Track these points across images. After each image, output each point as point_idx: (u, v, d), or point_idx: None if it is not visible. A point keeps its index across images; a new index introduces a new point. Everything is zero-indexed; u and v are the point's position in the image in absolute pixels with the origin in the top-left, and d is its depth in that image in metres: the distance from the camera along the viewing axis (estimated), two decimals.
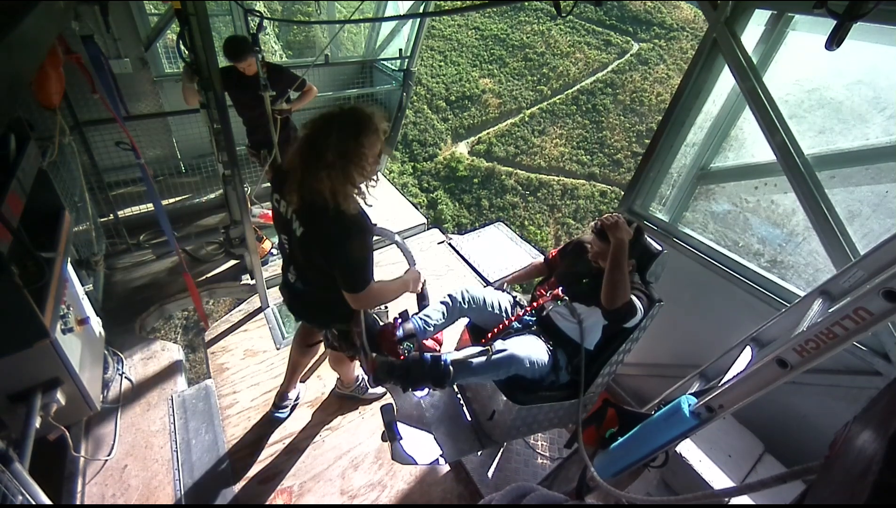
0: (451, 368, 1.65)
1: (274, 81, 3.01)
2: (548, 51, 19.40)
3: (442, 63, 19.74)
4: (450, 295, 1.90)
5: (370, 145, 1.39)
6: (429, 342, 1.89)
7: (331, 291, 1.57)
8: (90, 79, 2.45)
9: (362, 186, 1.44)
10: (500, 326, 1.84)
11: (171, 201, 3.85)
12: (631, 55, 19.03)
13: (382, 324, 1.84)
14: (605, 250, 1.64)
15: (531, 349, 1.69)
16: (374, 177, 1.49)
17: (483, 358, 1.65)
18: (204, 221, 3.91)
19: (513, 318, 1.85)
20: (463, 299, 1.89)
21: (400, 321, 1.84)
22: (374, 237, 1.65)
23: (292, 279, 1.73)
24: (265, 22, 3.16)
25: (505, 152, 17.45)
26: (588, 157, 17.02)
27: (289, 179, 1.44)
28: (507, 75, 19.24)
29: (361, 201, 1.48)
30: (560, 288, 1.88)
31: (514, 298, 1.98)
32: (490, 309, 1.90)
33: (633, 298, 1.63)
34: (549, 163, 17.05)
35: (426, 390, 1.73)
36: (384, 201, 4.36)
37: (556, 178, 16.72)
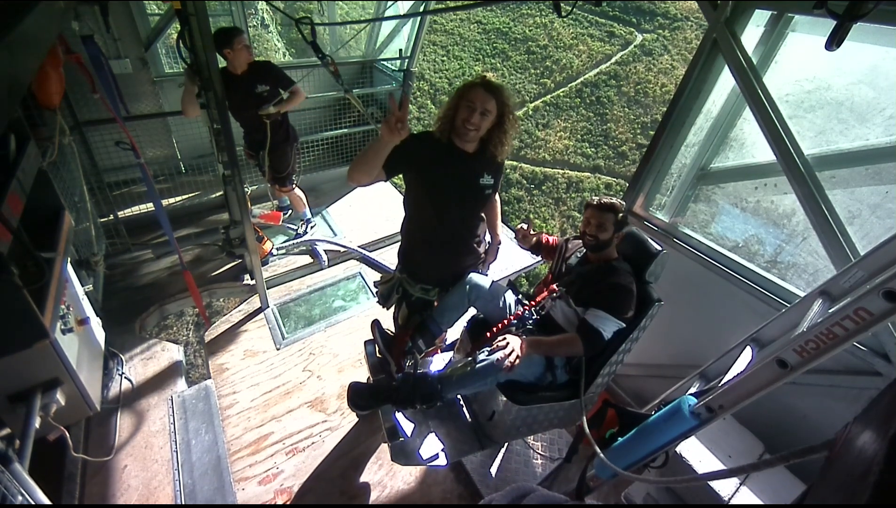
0: (439, 385, 1.69)
1: (263, 78, 3.00)
2: (550, 43, 19.32)
3: (444, 58, 19.70)
4: (465, 278, 1.93)
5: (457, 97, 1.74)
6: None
7: None
8: (90, 79, 2.45)
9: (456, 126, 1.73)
10: (500, 325, 1.84)
11: (172, 201, 3.85)
12: (635, 46, 18.91)
13: (397, 332, 1.89)
14: (606, 219, 1.71)
15: None
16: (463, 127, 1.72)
17: (468, 369, 1.69)
18: (204, 221, 3.91)
19: (513, 317, 1.86)
20: (474, 285, 1.92)
21: (416, 329, 1.91)
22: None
23: None
24: (268, 20, 3.16)
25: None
26: (593, 149, 16.96)
27: None
28: (510, 69, 19.19)
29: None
30: (555, 284, 1.90)
31: (518, 296, 1.99)
32: (496, 301, 1.92)
33: (595, 326, 1.65)
34: (553, 156, 17.00)
35: (417, 408, 1.75)
36: (383, 201, 4.36)
37: (561, 171, 16.67)
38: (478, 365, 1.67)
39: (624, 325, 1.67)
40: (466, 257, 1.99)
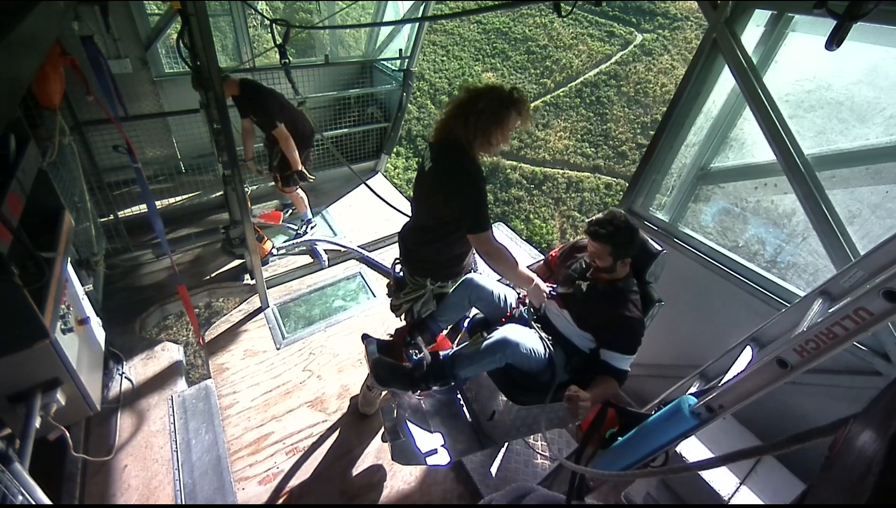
0: (452, 363, 1.71)
1: (248, 104, 3.11)
2: (550, 43, 19.32)
3: (444, 58, 19.69)
4: (466, 279, 1.93)
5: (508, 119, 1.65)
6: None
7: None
8: (84, 81, 2.45)
9: (492, 144, 1.70)
10: (502, 321, 1.85)
11: (172, 201, 3.85)
12: (634, 46, 18.89)
13: (397, 329, 1.90)
14: (601, 251, 1.65)
15: (524, 335, 1.71)
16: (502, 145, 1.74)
17: (476, 345, 1.70)
18: (204, 221, 3.91)
19: (509, 313, 1.87)
20: (475, 285, 1.92)
21: (414, 325, 1.91)
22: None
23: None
24: (266, 21, 3.17)
25: (509, 146, 17.41)
26: (593, 149, 16.95)
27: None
28: (509, 69, 19.17)
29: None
30: (553, 287, 1.90)
31: (519, 295, 1.99)
32: (497, 301, 1.92)
33: (620, 368, 1.67)
34: (553, 156, 16.99)
35: (432, 389, 1.76)
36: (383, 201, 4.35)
37: (561, 171, 16.66)
38: (487, 342, 1.68)
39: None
40: None
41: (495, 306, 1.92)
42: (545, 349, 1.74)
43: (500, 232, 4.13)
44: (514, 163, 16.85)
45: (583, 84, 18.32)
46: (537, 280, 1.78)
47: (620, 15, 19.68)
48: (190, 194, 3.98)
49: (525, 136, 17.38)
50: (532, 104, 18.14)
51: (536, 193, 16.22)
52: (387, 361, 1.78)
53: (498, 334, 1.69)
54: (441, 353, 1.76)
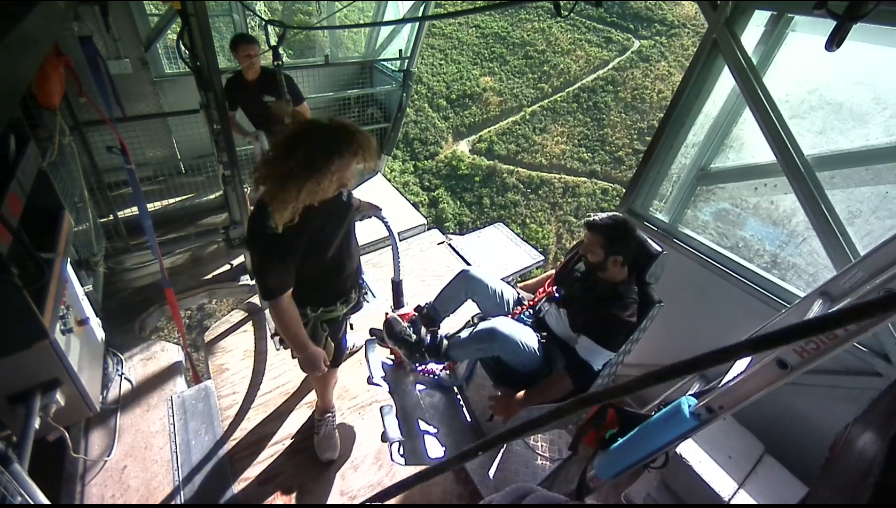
0: (444, 341, 1.81)
1: (270, 88, 3.09)
2: (548, 48, 19.39)
3: (443, 61, 19.74)
4: (462, 271, 1.98)
5: (337, 168, 1.29)
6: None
7: None
8: (78, 82, 2.45)
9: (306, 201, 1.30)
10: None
11: (171, 201, 3.84)
12: (632, 52, 19.00)
13: (393, 313, 2.00)
14: (593, 242, 1.67)
15: (517, 330, 1.71)
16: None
17: (469, 329, 1.79)
18: (204, 221, 3.90)
19: (511, 315, 1.87)
20: (471, 278, 1.95)
21: (415, 313, 1.99)
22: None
23: None
24: (262, 21, 3.18)
25: (506, 150, 17.47)
26: (589, 154, 17.02)
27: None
28: (507, 73, 19.24)
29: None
30: (555, 288, 1.90)
31: (518, 295, 2.00)
32: (493, 296, 1.92)
33: (584, 359, 1.65)
34: (550, 161, 17.05)
35: (429, 365, 1.91)
36: (383, 202, 4.35)
37: (558, 176, 16.72)
38: (476, 329, 1.74)
39: (613, 355, 1.65)
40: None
41: (493, 301, 1.93)
42: (539, 345, 1.74)
43: (500, 232, 4.13)
44: (511, 167, 16.92)
45: (580, 89, 18.39)
46: (311, 352, 1.58)
47: (618, 21, 19.78)
48: (190, 195, 3.98)
49: (522, 140, 17.44)
50: (529, 109, 18.21)
51: (533, 197, 16.27)
52: (400, 323, 1.89)
53: (488, 323, 1.71)
54: (438, 334, 1.87)
